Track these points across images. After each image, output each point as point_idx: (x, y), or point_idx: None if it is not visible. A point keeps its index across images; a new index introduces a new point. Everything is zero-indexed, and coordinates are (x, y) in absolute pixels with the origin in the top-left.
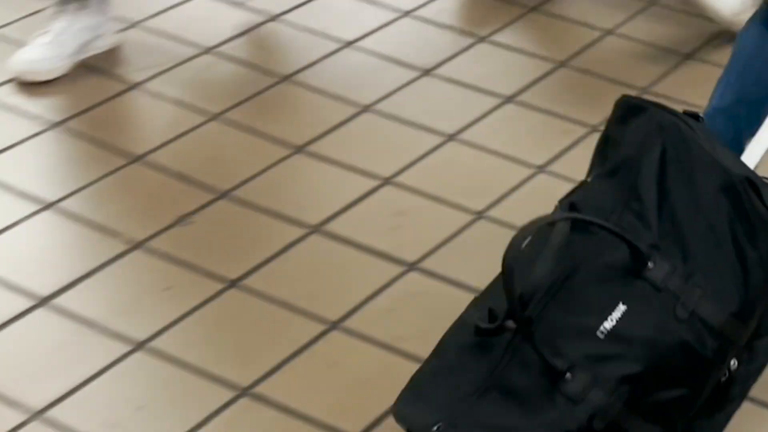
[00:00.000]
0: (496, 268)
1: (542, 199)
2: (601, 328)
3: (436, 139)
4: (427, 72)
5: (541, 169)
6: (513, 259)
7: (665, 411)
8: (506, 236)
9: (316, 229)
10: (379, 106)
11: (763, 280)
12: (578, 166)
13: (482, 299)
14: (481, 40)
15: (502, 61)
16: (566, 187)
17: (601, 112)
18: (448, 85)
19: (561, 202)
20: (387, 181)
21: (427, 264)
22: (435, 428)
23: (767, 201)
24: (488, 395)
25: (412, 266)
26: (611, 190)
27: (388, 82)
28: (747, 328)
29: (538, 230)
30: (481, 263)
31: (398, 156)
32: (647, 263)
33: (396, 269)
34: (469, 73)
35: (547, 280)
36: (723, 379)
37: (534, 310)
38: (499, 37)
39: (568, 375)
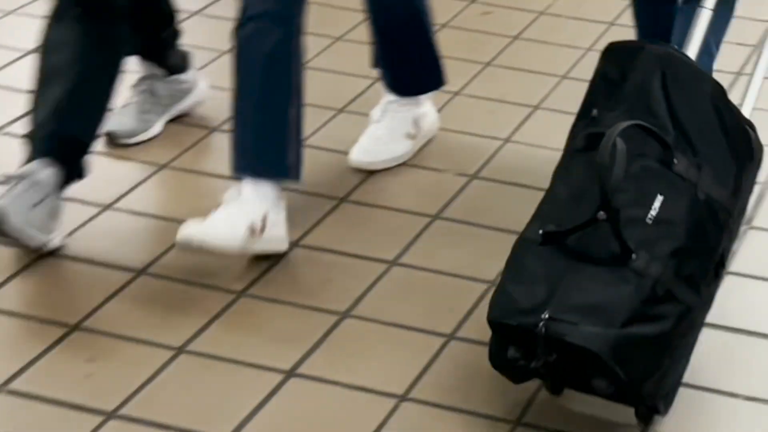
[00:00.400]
0: (206, 405)
1: (247, 324)
2: (649, 215)
3: (126, 275)
4: (108, 206)
5: (242, 293)
6: (606, 162)
7: (696, 278)
8: (211, 368)
9: (1, 389)
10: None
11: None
12: (280, 287)
13: (541, 222)
14: (163, 167)
15: (190, 185)
16: (268, 306)
17: None
18: (132, 217)
19: (585, 134)
20: (75, 328)
21: (128, 410)
22: (544, 315)
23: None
24: (574, 282)
25: (111, 415)
26: (628, 114)
27: (69, 220)
28: (738, 204)
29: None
30: (186, 400)
31: (85, 299)
32: (674, 160)
33: (95, 420)
34: (154, 203)
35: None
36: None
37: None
38: (181, 162)
39: (634, 255)
